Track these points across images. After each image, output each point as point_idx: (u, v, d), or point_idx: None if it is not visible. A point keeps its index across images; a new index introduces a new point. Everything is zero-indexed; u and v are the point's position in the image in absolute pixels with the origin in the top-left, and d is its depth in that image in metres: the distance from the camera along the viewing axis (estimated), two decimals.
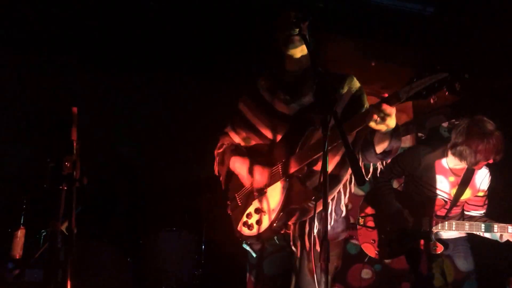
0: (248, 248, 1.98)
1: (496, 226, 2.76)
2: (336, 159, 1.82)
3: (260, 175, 1.88)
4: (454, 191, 2.89)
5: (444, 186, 2.91)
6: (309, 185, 1.80)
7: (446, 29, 3.86)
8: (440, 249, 2.84)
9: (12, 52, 4.59)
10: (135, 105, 4.97)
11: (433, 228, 2.84)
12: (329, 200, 1.82)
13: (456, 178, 2.89)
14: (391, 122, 1.58)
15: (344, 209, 1.88)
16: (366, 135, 1.75)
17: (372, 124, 1.57)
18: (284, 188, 1.82)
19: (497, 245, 2.91)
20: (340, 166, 1.83)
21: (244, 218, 1.94)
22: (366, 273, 4.70)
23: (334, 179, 1.82)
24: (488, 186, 2.93)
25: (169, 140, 4.83)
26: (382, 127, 1.60)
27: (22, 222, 3.41)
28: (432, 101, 1.45)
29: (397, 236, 2.94)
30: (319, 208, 1.66)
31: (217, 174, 2.16)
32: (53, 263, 1.94)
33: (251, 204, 1.93)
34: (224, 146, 2.11)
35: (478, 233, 2.85)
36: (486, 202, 2.97)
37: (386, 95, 1.56)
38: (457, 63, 1.29)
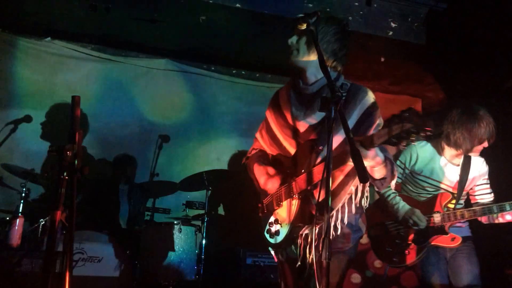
0: (272, 252, 2.10)
1: (508, 205, 2.70)
2: (340, 179, 1.86)
3: (271, 188, 2.02)
4: (455, 182, 2.87)
5: (445, 178, 2.88)
6: (312, 204, 1.88)
7: (458, 25, 3.81)
8: (458, 240, 2.79)
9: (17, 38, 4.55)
10: (140, 97, 4.92)
11: (446, 221, 2.80)
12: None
13: (455, 169, 2.87)
14: (375, 159, 1.69)
15: (341, 226, 1.91)
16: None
17: (350, 163, 1.69)
18: (295, 206, 1.90)
19: (500, 246, 2.87)
20: (342, 185, 1.87)
21: (268, 226, 2.06)
22: (356, 278, 4.68)
23: (335, 196, 1.88)
24: (487, 172, 2.93)
25: (173, 132, 4.79)
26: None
27: (20, 210, 3.36)
28: (401, 147, 1.60)
29: (412, 238, 2.88)
30: (322, 223, 1.73)
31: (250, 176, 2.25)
32: (52, 253, 1.91)
33: (273, 214, 2.04)
34: (253, 152, 2.22)
35: (493, 216, 2.79)
36: (492, 190, 2.95)
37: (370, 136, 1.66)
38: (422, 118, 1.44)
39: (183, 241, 3.87)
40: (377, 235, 3.03)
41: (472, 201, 2.99)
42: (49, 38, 4.65)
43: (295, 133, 1.99)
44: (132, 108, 4.86)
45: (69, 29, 4.54)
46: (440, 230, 2.81)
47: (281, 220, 1.98)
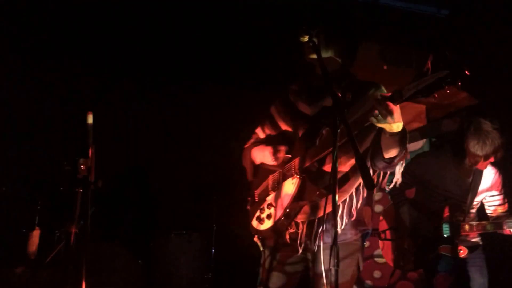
0: (259, 242, 2.03)
1: None
2: (351, 161, 1.79)
3: (278, 151, 1.96)
4: (466, 193, 2.89)
5: (455, 189, 2.91)
6: (320, 185, 1.81)
7: (460, 32, 3.82)
8: (464, 252, 2.81)
9: (29, 57, 4.66)
10: (148, 109, 5.00)
11: (454, 232, 2.83)
12: (339, 203, 1.82)
13: (465, 180, 2.90)
14: (395, 125, 1.59)
15: (355, 213, 1.86)
16: (375, 138, 1.77)
17: (373, 120, 1.58)
18: (295, 185, 1.85)
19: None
20: (354, 169, 1.80)
21: (258, 213, 2.00)
22: None
23: (346, 181, 1.81)
24: (501, 184, 2.91)
25: (181, 143, 4.86)
26: (385, 126, 1.60)
27: (36, 223, 3.45)
28: (433, 99, 1.46)
29: (420, 245, 2.93)
30: (329, 208, 1.62)
31: (244, 167, 2.22)
32: (68, 264, 1.96)
33: (266, 199, 2.00)
34: (250, 142, 2.21)
35: (503, 231, 2.78)
36: (506, 201, 2.93)
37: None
38: (458, 59, 1.34)
39: (193, 251, 3.92)
40: (387, 239, 3.09)
41: (486, 210, 2.99)
42: None
43: (303, 118, 1.97)
44: (143, 122, 4.94)
45: None
46: (448, 240, 2.84)
47: (276, 203, 1.91)
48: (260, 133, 2.19)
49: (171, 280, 3.78)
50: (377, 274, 4.45)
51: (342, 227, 1.85)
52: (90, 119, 2.20)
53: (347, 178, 1.82)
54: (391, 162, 1.73)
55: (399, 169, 1.79)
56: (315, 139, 1.84)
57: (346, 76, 1.97)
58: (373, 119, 1.57)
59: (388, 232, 3.15)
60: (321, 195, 1.77)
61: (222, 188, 4.30)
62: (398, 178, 1.80)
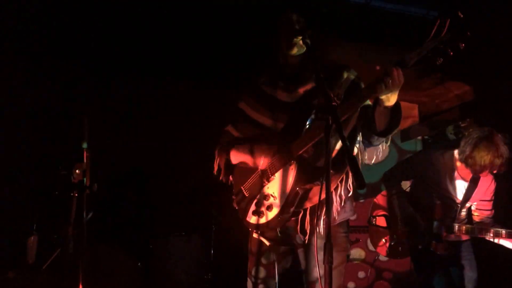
0: (262, 238, 1.93)
1: (504, 232, 2.79)
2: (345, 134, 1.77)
3: (265, 154, 1.88)
4: (461, 195, 2.95)
5: (452, 190, 2.96)
6: (319, 165, 1.78)
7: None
8: (450, 250, 2.89)
9: (23, 58, 4.68)
10: (145, 111, 5.02)
11: (444, 230, 2.88)
12: (338, 182, 1.83)
13: (463, 183, 2.95)
14: (392, 97, 1.64)
15: (351, 189, 1.86)
16: (368, 111, 1.80)
17: (382, 87, 1.61)
18: (292, 170, 1.81)
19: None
20: (349, 141, 1.78)
21: (253, 207, 1.93)
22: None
23: (342, 157, 1.78)
24: (493, 192, 3.00)
25: (179, 144, 4.87)
26: (383, 96, 1.64)
27: (34, 228, 3.46)
28: (437, 63, 1.47)
29: (409, 237, 2.98)
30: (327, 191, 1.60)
31: (215, 173, 2.17)
32: (65, 267, 1.98)
33: (260, 192, 1.92)
34: (223, 140, 2.13)
35: (489, 239, 2.87)
36: (494, 208, 3.03)
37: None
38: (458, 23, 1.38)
39: (192, 251, 3.94)
40: (377, 225, 3.14)
41: (473, 213, 3.08)
42: None
43: (283, 107, 1.93)
44: (140, 124, 4.96)
45: None
46: (435, 237, 2.91)
47: (274, 193, 1.85)
48: (233, 131, 2.12)
49: (170, 282, 3.80)
50: (361, 274, 4.45)
51: (342, 204, 1.87)
52: (85, 123, 2.21)
53: (342, 154, 1.79)
54: (383, 134, 1.77)
55: (382, 146, 1.85)
56: (303, 125, 1.81)
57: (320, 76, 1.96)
58: (382, 86, 1.59)
59: (378, 219, 3.20)
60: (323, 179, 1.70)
61: (221, 189, 4.32)
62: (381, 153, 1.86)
